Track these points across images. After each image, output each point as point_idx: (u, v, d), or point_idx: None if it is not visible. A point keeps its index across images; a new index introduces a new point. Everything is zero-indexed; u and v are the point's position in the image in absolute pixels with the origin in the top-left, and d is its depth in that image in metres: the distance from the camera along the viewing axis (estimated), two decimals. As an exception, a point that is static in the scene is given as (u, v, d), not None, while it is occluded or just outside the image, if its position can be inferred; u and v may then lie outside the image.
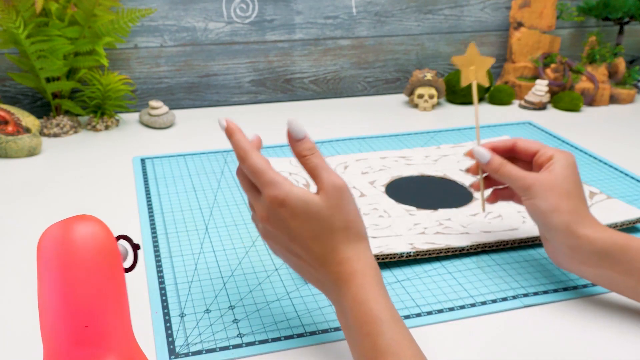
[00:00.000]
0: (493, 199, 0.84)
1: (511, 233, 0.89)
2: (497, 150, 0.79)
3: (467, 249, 0.86)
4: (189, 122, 1.39)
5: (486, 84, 0.80)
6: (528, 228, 0.91)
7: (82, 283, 0.47)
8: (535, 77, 1.60)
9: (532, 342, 0.70)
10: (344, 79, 1.59)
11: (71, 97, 1.40)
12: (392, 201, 0.99)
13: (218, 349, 0.67)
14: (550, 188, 0.71)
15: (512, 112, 1.49)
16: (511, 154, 0.79)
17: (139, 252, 0.87)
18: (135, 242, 0.53)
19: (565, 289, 0.79)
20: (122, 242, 0.50)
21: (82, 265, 0.47)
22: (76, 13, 1.25)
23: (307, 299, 0.76)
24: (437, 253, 0.85)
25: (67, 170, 1.13)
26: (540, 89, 1.50)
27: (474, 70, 0.74)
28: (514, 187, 0.74)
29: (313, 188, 1.01)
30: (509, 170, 0.75)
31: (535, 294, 0.78)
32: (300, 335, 0.70)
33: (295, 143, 0.64)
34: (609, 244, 0.68)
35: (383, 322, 0.56)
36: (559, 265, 0.75)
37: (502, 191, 0.83)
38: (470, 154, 0.80)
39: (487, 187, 0.84)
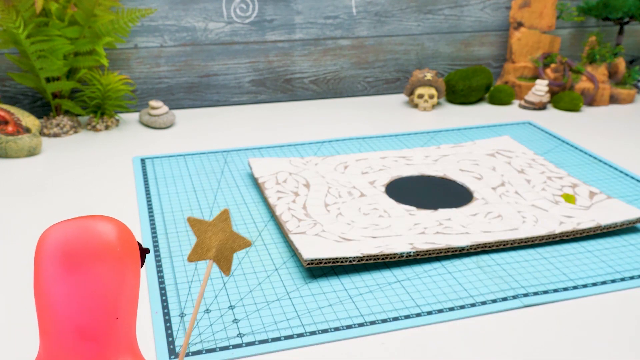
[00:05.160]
0: None
1: (511, 233, 0.89)
2: None
3: (467, 249, 0.86)
4: (189, 122, 1.39)
5: (227, 272, 0.52)
6: (528, 228, 0.91)
7: (110, 278, 0.47)
8: (535, 77, 1.60)
9: (532, 342, 0.70)
10: (344, 79, 1.59)
11: (71, 97, 1.40)
12: (392, 201, 0.99)
13: (218, 349, 0.67)
14: None
15: (512, 112, 1.49)
16: None
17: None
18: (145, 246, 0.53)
19: (565, 289, 0.79)
20: None
21: (111, 260, 0.47)
22: (76, 13, 1.25)
23: (307, 299, 0.76)
24: (437, 253, 0.85)
25: (67, 170, 1.13)
26: (540, 89, 1.50)
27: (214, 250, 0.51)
28: None
29: (313, 188, 1.02)
30: None
31: (535, 294, 0.78)
32: (300, 335, 0.70)
33: None
34: None
35: None
36: None
37: None
38: None
39: None
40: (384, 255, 0.82)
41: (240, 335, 0.70)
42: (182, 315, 0.73)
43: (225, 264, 0.51)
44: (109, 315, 0.47)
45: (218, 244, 0.50)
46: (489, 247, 0.87)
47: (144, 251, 0.53)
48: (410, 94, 1.50)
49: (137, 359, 0.50)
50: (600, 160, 1.19)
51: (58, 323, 0.47)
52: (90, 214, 0.55)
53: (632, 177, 1.12)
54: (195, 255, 0.50)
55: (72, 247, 0.47)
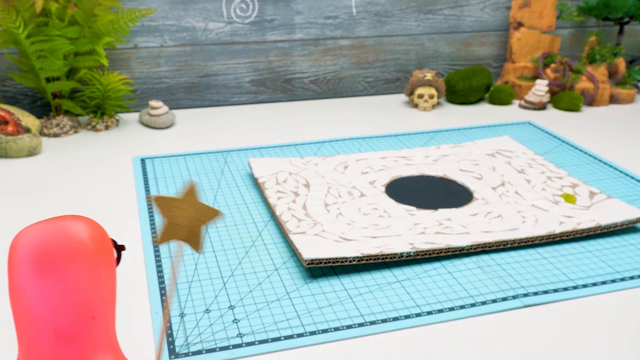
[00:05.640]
0: None
1: (511, 233, 0.89)
2: None
3: (467, 249, 0.86)
4: (189, 122, 1.39)
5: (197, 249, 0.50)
6: (528, 228, 0.91)
7: (84, 278, 0.47)
8: (535, 77, 1.60)
9: (532, 342, 0.70)
10: (344, 79, 1.59)
11: (71, 97, 1.40)
12: (392, 201, 0.99)
13: (218, 349, 0.67)
14: None
15: (512, 112, 1.49)
16: None
17: (138, 253, 0.87)
18: (120, 243, 0.53)
19: (565, 289, 0.79)
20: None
21: (84, 260, 0.47)
22: (76, 13, 1.25)
23: (307, 299, 0.76)
24: (437, 253, 0.85)
25: (67, 170, 1.13)
26: (540, 89, 1.50)
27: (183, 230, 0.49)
28: None
29: (313, 188, 1.02)
30: None
31: (535, 294, 0.78)
32: (300, 335, 0.70)
33: None
34: None
35: None
36: None
37: None
38: None
39: None
40: (384, 255, 0.82)
41: (240, 335, 0.70)
42: (182, 315, 0.73)
43: (195, 242, 0.49)
44: (86, 315, 0.47)
45: (187, 220, 0.48)
46: (489, 247, 0.87)
47: (119, 248, 0.52)
48: (410, 94, 1.50)
49: (118, 357, 0.49)
50: (600, 160, 1.19)
51: (35, 325, 0.47)
52: (62, 215, 0.55)
53: (632, 177, 1.12)
54: (165, 237, 0.48)
55: (46, 248, 0.46)
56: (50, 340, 0.47)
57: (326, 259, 0.80)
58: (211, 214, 0.49)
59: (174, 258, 0.48)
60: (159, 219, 0.95)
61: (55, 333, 0.47)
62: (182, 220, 0.48)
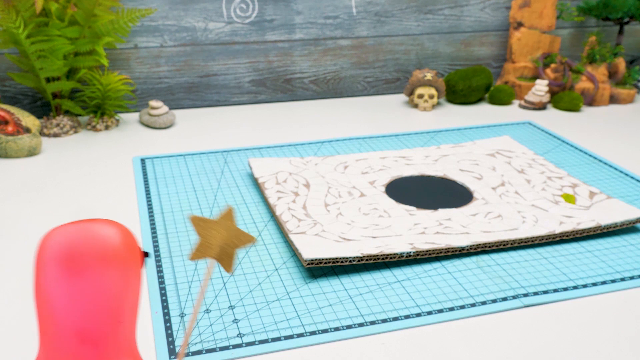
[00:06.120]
0: None
1: (511, 233, 0.89)
2: None
3: (467, 249, 0.86)
4: (189, 122, 1.39)
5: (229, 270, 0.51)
6: (528, 228, 0.91)
7: (115, 282, 0.47)
8: (535, 77, 1.60)
9: (532, 342, 0.70)
10: (344, 79, 1.59)
11: (71, 97, 1.40)
12: (392, 201, 0.99)
13: (218, 349, 0.67)
14: None
15: (512, 112, 1.49)
16: None
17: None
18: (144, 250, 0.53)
19: (565, 289, 0.79)
20: None
21: (116, 265, 0.47)
22: (76, 13, 1.25)
23: (307, 299, 0.76)
24: (437, 253, 0.85)
25: (67, 170, 1.13)
26: (540, 89, 1.50)
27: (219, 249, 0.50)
28: None
29: (313, 188, 1.02)
30: None
31: (535, 294, 0.78)
32: (300, 335, 0.70)
33: None
34: None
35: None
36: None
37: None
38: None
39: None
40: (384, 255, 0.82)
41: (240, 335, 0.70)
42: (182, 315, 0.73)
43: (227, 262, 0.50)
44: (113, 320, 0.47)
45: (221, 242, 0.50)
46: (489, 247, 0.87)
47: (143, 255, 0.52)
48: (410, 94, 1.50)
49: None
50: (600, 160, 1.19)
51: (59, 326, 0.47)
52: (91, 217, 0.55)
53: (632, 177, 1.12)
54: (198, 254, 0.50)
55: (76, 250, 0.46)
56: (73, 342, 0.47)
57: (326, 259, 0.80)
58: (246, 239, 0.50)
59: (205, 275, 0.49)
60: (159, 221, 0.95)
61: (79, 335, 0.47)
62: (216, 241, 0.49)
